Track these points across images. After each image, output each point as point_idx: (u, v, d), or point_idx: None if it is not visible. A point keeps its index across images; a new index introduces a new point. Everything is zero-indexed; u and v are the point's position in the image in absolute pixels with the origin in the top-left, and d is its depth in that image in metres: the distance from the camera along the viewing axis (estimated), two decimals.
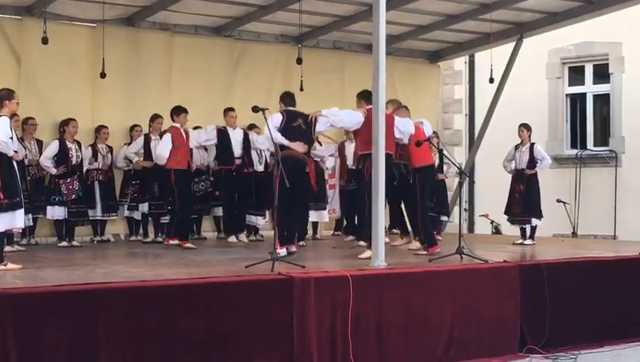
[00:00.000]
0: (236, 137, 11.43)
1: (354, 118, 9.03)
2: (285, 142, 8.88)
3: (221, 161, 11.50)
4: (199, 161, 11.79)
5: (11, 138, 7.72)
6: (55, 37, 10.31)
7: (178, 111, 10.73)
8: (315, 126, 9.17)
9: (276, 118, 9.03)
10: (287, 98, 9.44)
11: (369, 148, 8.19)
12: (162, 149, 10.59)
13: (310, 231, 12.62)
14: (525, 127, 11.45)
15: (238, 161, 11.35)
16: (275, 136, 8.58)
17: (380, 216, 7.87)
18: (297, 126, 9.09)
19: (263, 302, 6.60)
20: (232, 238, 11.25)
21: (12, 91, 8.02)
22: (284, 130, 8.96)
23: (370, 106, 8.51)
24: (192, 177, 11.38)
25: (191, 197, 11.04)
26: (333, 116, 9.06)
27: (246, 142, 11.42)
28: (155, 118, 11.48)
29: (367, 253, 8.45)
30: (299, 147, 9.00)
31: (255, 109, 8.55)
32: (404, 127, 9.44)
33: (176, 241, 10.39)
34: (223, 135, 11.34)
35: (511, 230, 12.32)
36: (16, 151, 7.87)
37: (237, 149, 11.39)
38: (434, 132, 12.59)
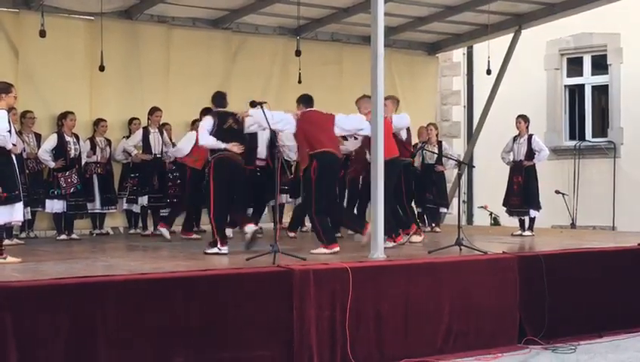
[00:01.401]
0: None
1: (284, 119, 8.77)
2: (221, 145, 8.67)
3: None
4: None
5: (9, 131, 7.70)
6: (53, 30, 10.30)
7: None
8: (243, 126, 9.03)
9: (207, 122, 8.79)
10: (218, 98, 9.10)
11: (313, 148, 8.55)
12: (185, 144, 10.61)
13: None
14: (523, 118, 11.45)
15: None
16: (207, 141, 8.66)
17: (380, 211, 7.86)
18: (229, 127, 8.87)
19: (263, 294, 6.61)
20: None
21: (10, 85, 8.00)
22: (216, 132, 8.72)
23: (306, 109, 8.84)
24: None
25: (201, 196, 10.36)
26: (257, 116, 8.75)
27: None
28: (153, 110, 11.47)
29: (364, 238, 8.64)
30: (235, 148, 8.76)
31: (253, 103, 8.55)
32: (398, 123, 9.44)
33: (165, 229, 10.43)
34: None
35: (510, 221, 12.33)
36: (14, 145, 7.86)
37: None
38: (431, 123, 12.64)
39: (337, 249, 8.50)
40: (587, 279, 8.49)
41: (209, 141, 8.69)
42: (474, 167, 12.37)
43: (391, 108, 9.59)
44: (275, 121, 8.61)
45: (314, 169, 8.62)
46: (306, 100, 9.00)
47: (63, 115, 10.78)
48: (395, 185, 9.46)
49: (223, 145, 8.65)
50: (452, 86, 17.15)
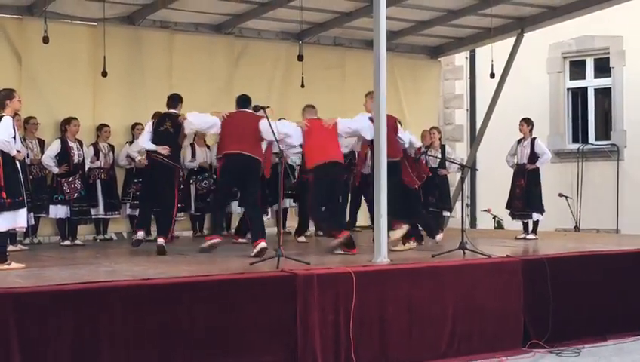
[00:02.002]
0: None
1: (208, 122, 9.27)
2: (152, 147, 9.33)
3: None
4: (202, 158, 11.84)
5: (14, 137, 7.72)
6: (56, 36, 10.31)
7: None
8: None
9: (147, 125, 9.65)
10: (168, 100, 9.66)
11: (226, 149, 8.97)
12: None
13: (312, 228, 12.63)
14: (526, 121, 11.44)
15: None
16: (142, 144, 9.59)
17: (383, 215, 7.87)
18: (164, 130, 9.38)
19: (267, 299, 6.61)
20: None
21: (12, 90, 8.02)
22: (153, 133, 9.39)
23: (239, 110, 9.16)
24: (196, 175, 11.41)
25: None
26: (193, 118, 9.31)
27: None
28: (156, 116, 11.46)
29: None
30: (162, 150, 9.24)
31: (256, 108, 8.58)
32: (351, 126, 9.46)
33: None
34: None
35: (513, 225, 12.33)
36: (19, 151, 7.88)
37: None
38: (434, 127, 12.63)
39: (348, 233, 8.92)
40: (591, 282, 8.48)
41: (139, 142, 9.80)
42: (477, 170, 12.38)
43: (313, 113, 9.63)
44: (198, 123, 9.33)
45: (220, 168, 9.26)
46: (239, 102, 9.32)
47: (67, 121, 10.80)
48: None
49: (152, 147, 9.31)
50: (455, 89, 17.15)
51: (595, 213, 14.88)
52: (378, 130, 7.96)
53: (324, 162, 9.01)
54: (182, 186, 10.64)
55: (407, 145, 9.75)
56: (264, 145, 9.33)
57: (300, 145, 9.29)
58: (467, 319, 7.60)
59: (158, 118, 9.62)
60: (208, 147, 11.82)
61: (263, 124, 8.87)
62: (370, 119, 9.04)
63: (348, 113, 9.79)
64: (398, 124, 9.81)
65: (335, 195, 9.36)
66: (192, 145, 11.90)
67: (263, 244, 8.52)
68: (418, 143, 9.87)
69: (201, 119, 9.32)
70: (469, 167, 11.08)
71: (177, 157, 9.63)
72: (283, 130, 9.04)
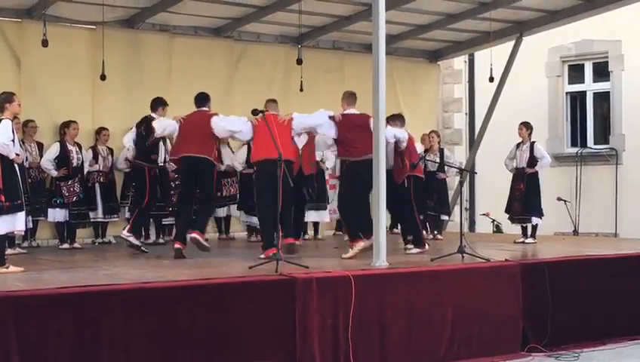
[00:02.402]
0: None
1: (164, 126, 9.70)
2: (129, 145, 10.45)
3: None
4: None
5: (13, 140, 7.72)
6: (55, 39, 10.31)
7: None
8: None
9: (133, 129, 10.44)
10: (151, 103, 10.35)
11: (178, 151, 9.27)
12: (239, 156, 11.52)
13: (311, 232, 12.64)
14: (525, 125, 11.45)
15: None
16: (124, 142, 10.57)
17: (382, 217, 7.87)
18: (138, 132, 10.24)
19: (266, 303, 6.61)
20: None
21: (12, 93, 8.01)
22: (136, 134, 10.31)
23: (195, 111, 9.32)
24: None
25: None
26: (155, 124, 9.83)
27: None
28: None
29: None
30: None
31: (255, 112, 8.58)
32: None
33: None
34: None
35: (512, 228, 12.33)
36: (17, 154, 7.87)
37: None
38: (433, 131, 12.63)
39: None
40: (590, 286, 8.48)
41: (124, 139, 10.55)
42: (476, 173, 12.37)
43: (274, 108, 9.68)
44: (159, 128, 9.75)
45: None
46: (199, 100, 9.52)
47: (66, 124, 10.80)
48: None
49: (129, 146, 10.40)
50: (454, 93, 17.15)
51: (594, 217, 14.89)
52: (377, 134, 7.96)
53: (265, 158, 8.70)
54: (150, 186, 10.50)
55: (392, 140, 9.57)
56: (302, 141, 9.47)
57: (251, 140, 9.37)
58: (466, 323, 7.60)
59: (139, 122, 10.35)
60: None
61: (215, 122, 9.12)
62: (331, 117, 9.05)
63: None
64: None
65: (274, 194, 8.45)
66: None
67: (193, 235, 9.00)
68: (404, 135, 9.62)
69: (159, 124, 9.75)
70: (468, 171, 11.05)
71: (145, 158, 10.16)
72: (230, 127, 9.21)
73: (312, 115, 9.29)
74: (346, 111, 9.14)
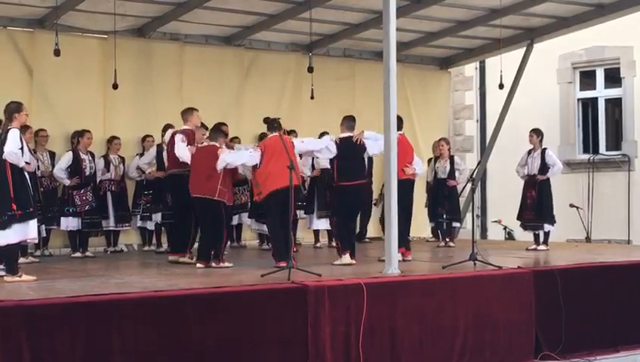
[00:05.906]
0: None
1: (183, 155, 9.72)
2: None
3: None
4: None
5: (21, 149, 7.75)
6: (67, 49, 10.34)
7: None
8: None
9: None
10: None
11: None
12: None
13: (325, 239, 12.62)
14: (536, 132, 11.41)
15: None
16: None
17: (394, 227, 7.86)
18: None
19: (278, 311, 6.61)
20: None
21: (20, 103, 8.05)
22: None
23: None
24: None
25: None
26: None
27: None
28: (167, 128, 11.45)
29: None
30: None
31: (267, 120, 8.59)
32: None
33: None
34: None
35: (524, 235, 12.28)
36: (28, 163, 7.90)
37: None
38: (443, 138, 12.62)
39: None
40: (603, 293, 8.45)
41: (183, 153, 9.80)
42: (476, 179, 12.16)
43: None
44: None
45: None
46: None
47: (80, 133, 10.83)
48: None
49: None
50: (465, 100, 17.14)
51: (606, 224, 14.82)
52: (389, 144, 7.96)
53: (277, 189, 8.76)
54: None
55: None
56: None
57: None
58: (478, 330, 7.57)
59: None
60: None
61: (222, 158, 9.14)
62: (335, 142, 9.17)
63: (358, 124, 9.76)
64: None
65: (286, 216, 8.83)
66: None
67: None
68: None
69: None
70: (472, 179, 10.63)
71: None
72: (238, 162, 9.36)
73: (314, 141, 9.56)
74: (342, 135, 9.27)
